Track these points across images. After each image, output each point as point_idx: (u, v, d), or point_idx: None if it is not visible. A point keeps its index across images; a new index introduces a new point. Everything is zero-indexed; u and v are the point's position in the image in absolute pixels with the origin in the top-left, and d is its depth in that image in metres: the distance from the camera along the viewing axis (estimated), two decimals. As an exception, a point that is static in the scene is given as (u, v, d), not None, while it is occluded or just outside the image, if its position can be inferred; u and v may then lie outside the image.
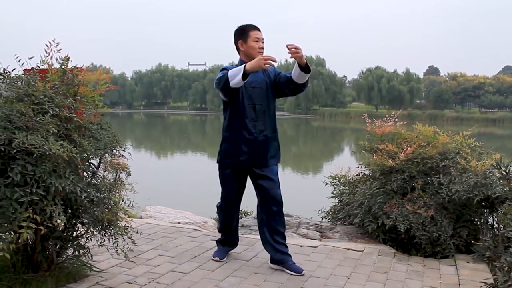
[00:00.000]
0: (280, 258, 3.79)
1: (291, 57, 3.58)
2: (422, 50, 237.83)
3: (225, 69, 3.76)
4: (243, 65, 3.54)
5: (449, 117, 69.54)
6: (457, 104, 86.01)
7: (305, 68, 3.66)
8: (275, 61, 3.55)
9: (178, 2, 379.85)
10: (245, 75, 3.51)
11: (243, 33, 3.81)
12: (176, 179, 14.80)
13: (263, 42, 3.80)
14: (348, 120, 70.07)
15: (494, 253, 3.76)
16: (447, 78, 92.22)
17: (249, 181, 3.97)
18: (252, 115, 3.77)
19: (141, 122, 65.86)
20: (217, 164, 3.96)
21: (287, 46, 3.55)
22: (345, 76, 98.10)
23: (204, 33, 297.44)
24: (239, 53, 3.88)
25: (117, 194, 3.33)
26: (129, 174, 3.54)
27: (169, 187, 12.43)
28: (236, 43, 3.86)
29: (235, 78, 3.54)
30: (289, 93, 3.89)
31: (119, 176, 3.48)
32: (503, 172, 3.64)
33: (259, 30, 3.82)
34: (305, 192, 11.26)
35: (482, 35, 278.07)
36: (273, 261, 3.85)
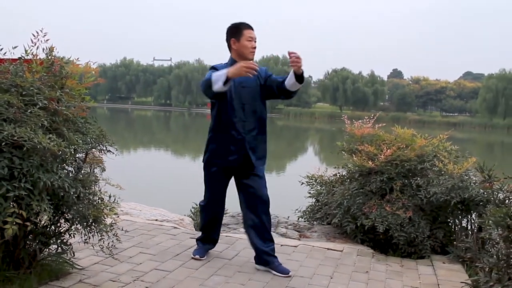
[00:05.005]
0: (267, 259, 3.75)
1: (290, 65, 3.55)
2: (386, 54, 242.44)
3: (214, 68, 3.68)
4: (225, 70, 3.46)
5: (411, 119, 70.56)
6: (419, 107, 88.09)
7: (299, 78, 3.63)
8: (256, 70, 3.50)
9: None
10: (226, 81, 3.44)
11: (236, 31, 3.69)
12: (146, 176, 14.60)
13: (255, 42, 3.70)
14: (313, 120, 70.68)
15: (475, 254, 3.87)
16: (410, 82, 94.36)
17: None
18: (241, 115, 3.69)
19: (104, 117, 64.59)
20: (202, 164, 3.90)
21: (289, 52, 3.52)
22: (310, 76, 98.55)
23: (171, 28, 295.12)
24: (230, 51, 3.75)
25: (97, 189, 3.25)
26: (103, 170, 3.46)
27: (140, 184, 12.24)
28: (228, 40, 3.73)
29: (217, 83, 3.46)
30: (278, 95, 3.81)
31: (93, 171, 3.40)
32: (485, 176, 3.75)
33: (253, 29, 3.72)
34: (277, 190, 11.28)
35: (445, 41, 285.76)
36: (259, 262, 3.80)
